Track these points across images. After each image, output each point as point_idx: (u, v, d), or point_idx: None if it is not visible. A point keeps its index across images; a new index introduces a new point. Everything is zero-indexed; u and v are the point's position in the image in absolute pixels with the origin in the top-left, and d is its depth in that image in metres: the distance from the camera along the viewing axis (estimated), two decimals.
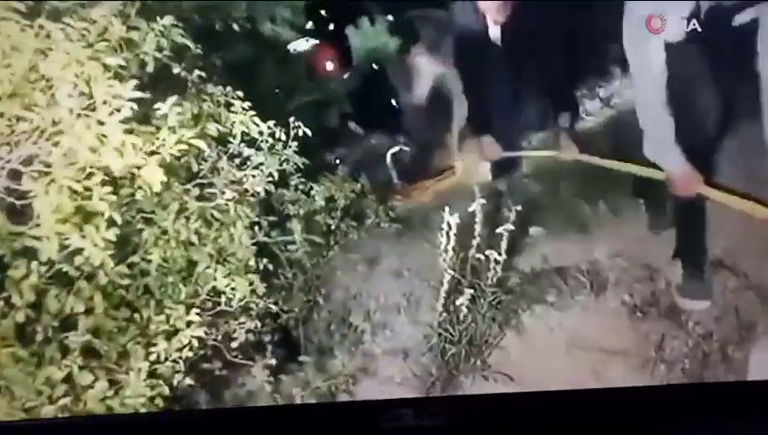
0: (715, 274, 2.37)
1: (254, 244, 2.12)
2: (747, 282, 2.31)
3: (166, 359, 1.77)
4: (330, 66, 3.01)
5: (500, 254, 2.17)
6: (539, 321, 2.32)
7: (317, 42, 3.00)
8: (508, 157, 2.93)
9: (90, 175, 1.61)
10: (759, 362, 1.96)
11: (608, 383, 2.09)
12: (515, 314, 2.31)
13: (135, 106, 1.67)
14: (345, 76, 3.06)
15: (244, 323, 2.02)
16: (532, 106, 2.97)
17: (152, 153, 1.70)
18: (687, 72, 2.16)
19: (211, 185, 2.08)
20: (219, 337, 1.98)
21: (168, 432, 1.88)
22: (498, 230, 2.19)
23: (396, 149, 2.98)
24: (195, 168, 2.05)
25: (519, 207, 2.27)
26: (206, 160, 2.09)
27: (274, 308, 2.19)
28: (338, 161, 2.82)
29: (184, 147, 1.73)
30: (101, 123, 1.62)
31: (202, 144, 1.78)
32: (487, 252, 2.18)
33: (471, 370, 2.18)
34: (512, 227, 2.18)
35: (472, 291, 2.15)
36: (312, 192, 2.50)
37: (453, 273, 2.19)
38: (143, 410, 1.70)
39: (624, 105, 3.01)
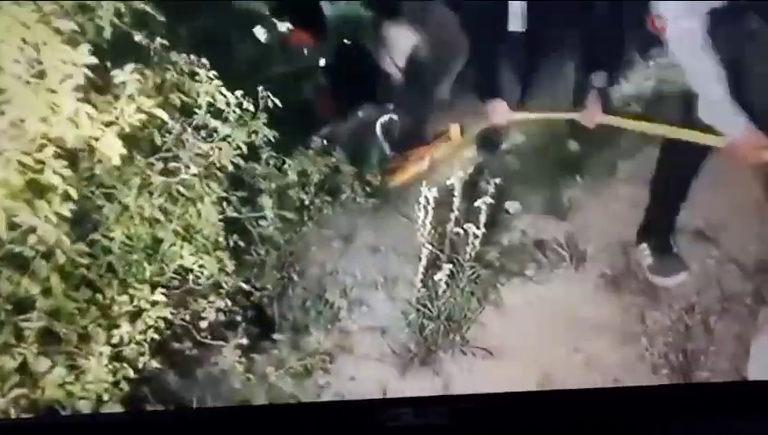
0: (696, 245, 2.32)
1: (222, 220, 2.02)
2: (728, 253, 2.27)
3: (130, 341, 1.68)
4: (305, 52, 2.89)
5: (479, 227, 2.10)
6: (518, 295, 2.27)
7: (289, 26, 2.87)
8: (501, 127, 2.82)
9: (41, 147, 1.50)
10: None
11: (589, 357, 2.04)
12: (494, 288, 2.25)
13: (90, 73, 1.55)
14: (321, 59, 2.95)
15: (213, 301, 1.92)
16: (552, 65, 2.84)
17: (110, 124, 1.59)
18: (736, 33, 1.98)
19: (176, 158, 1.97)
20: (188, 317, 1.88)
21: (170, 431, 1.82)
22: (477, 203, 2.12)
23: (385, 118, 2.86)
24: (158, 141, 1.93)
25: (498, 180, 2.21)
26: (170, 133, 1.97)
27: (246, 286, 2.11)
28: (325, 142, 2.68)
29: (143, 117, 1.62)
30: (53, 91, 1.50)
31: (162, 114, 1.67)
32: (466, 226, 2.11)
33: (450, 345, 2.12)
34: (491, 201, 2.10)
35: (450, 266, 2.08)
36: (285, 166, 2.40)
37: (431, 248, 2.11)
38: (106, 396, 1.60)
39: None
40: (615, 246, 2.39)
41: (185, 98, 1.95)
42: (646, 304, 2.20)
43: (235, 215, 2.11)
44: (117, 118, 1.61)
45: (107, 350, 1.62)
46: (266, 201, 2.21)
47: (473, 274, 2.14)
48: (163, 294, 1.77)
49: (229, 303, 1.97)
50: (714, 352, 2.00)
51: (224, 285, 1.99)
